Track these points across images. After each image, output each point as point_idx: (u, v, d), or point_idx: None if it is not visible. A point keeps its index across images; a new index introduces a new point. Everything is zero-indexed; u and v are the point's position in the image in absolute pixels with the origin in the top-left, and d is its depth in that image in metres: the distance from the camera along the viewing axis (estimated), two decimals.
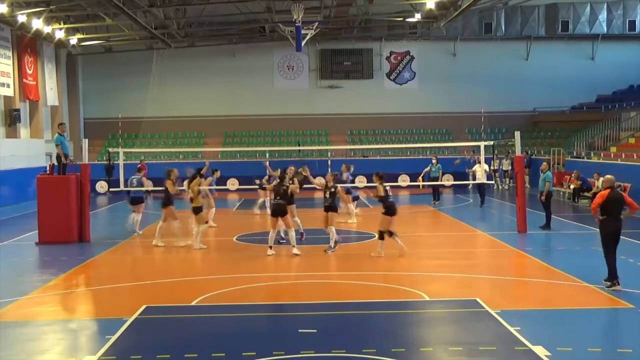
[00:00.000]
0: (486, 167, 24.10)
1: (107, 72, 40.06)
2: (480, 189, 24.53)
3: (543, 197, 18.52)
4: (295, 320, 10.10)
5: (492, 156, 26.18)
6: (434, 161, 26.30)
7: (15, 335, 9.47)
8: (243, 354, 8.28)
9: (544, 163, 20.15)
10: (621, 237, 12.58)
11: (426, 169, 26.23)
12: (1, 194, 28.13)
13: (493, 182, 27.72)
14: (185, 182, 17.45)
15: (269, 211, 17.88)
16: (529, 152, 34.41)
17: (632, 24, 39.39)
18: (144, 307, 10.56)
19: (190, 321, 10.05)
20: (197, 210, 16.50)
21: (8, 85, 31.06)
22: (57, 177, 18.07)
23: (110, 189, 22.49)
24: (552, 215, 19.05)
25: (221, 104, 40.38)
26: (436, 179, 25.99)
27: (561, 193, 28.02)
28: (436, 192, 26.84)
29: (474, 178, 24.34)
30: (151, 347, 8.74)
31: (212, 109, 40.25)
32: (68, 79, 39.26)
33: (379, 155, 36.90)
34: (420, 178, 26.03)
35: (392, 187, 22.15)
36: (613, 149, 30.72)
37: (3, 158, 28.84)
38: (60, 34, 33.11)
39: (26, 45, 32.79)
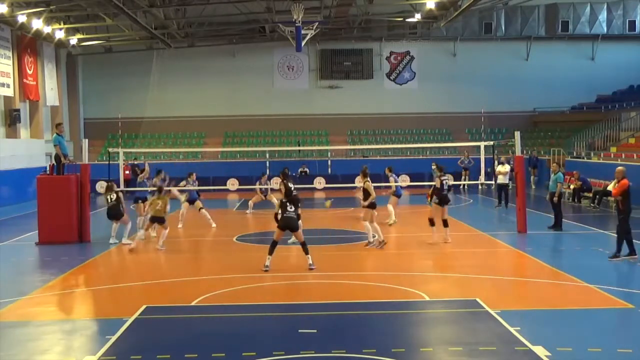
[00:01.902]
0: (508, 167, 23.97)
1: (107, 72, 40.07)
2: (503, 189, 24.24)
3: (556, 198, 18.47)
4: (295, 320, 10.09)
5: (492, 156, 26.09)
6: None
7: (15, 335, 9.46)
8: (243, 354, 8.28)
9: (554, 164, 20.09)
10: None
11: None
12: (1, 194, 28.13)
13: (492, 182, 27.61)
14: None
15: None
16: (536, 153, 34.32)
17: (632, 24, 39.40)
18: (144, 307, 10.55)
19: (190, 321, 10.04)
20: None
21: (8, 86, 31.06)
22: (57, 177, 18.08)
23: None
24: (551, 215, 19.07)
25: (221, 104, 40.40)
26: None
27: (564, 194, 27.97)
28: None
29: (496, 179, 24.22)
30: (151, 347, 8.73)
31: (212, 109, 40.28)
32: (68, 79, 39.27)
33: (379, 155, 36.89)
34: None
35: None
36: (613, 149, 30.72)
37: (3, 158, 28.84)
38: (60, 34, 33.11)
39: (26, 45, 32.79)
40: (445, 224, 16.70)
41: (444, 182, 16.89)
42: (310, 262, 13.47)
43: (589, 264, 13.76)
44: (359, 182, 16.35)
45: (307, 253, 13.58)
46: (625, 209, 14.00)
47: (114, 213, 17.37)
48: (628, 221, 14.01)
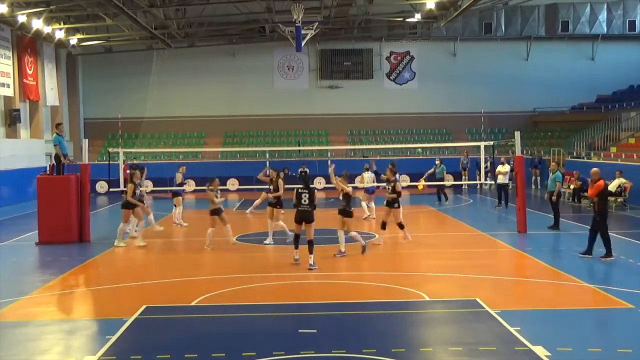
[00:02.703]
0: (507, 167, 24.01)
1: (107, 72, 40.08)
2: (503, 189, 24.17)
3: (554, 197, 18.46)
4: (295, 320, 10.11)
5: (491, 156, 26.15)
6: (437, 162, 26.28)
7: (15, 335, 9.47)
8: (243, 354, 8.28)
9: (553, 163, 20.11)
10: (621, 237, 12.69)
11: (430, 171, 26.12)
12: (1, 194, 28.13)
13: (493, 182, 27.81)
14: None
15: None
16: (537, 153, 34.28)
17: (632, 24, 39.41)
18: (144, 307, 10.56)
19: (190, 321, 10.05)
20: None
21: (8, 86, 31.07)
22: (57, 177, 18.07)
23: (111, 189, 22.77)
24: (551, 215, 19.06)
25: (221, 104, 40.41)
26: (441, 180, 26.00)
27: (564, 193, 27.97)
28: (442, 193, 26.76)
29: (496, 178, 24.26)
30: (151, 347, 8.74)
31: (212, 109, 40.28)
32: (68, 79, 39.28)
33: (379, 155, 36.86)
34: (422, 180, 25.84)
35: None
36: (613, 149, 30.72)
37: (3, 158, 28.84)
38: (60, 34, 33.12)
39: (26, 45, 32.80)
40: (383, 226, 16.58)
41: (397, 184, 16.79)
42: (312, 262, 13.53)
43: (589, 264, 13.77)
44: (341, 183, 15.41)
45: (311, 252, 13.65)
46: (601, 210, 14.06)
47: (122, 204, 17.32)
48: (605, 222, 14.12)
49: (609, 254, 13.98)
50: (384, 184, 17.49)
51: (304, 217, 13.80)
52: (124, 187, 19.27)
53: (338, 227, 15.07)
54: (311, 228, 13.83)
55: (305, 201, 13.83)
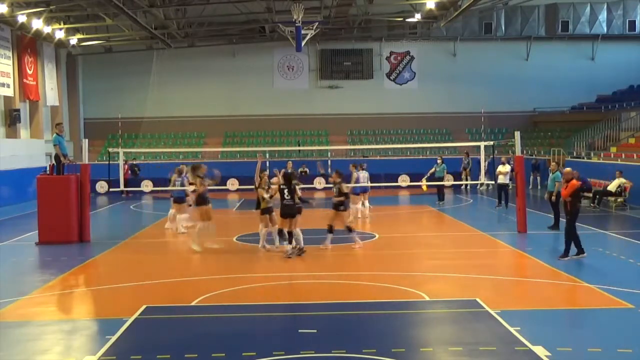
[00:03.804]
0: (508, 167, 24.00)
1: (107, 72, 40.09)
2: (504, 189, 24.14)
3: (553, 197, 18.44)
4: (295, 320, 10.11)
5: (491, 156, 26.14)
6: (439, 161, 26.27)
7: (15, 335, 9.47)
8: (243, 354, 8.28)
9: (553, 163, 20.12)
10: (621, 237, 12.67)
11: (431, 170, 26.09)
12: (1, 194, 28.12)
13: (493, 181, 27.83)
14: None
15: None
16: (538, 154, 34.28)
17: (632, 24, 39.42)
18: (144, 307, 10.56)
19: (190, 321, 10.05)
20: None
21: (8, 86, 31.06)
22: (57, 177, 18.06)
23: (111, 189, 22.79)
24: (551, 215, 19.05)
25: (221, 104, 40.42)
26: (441, 179, 25.97)
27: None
28: (441, 192, 26.76)
29: (496, 179, 24.22)
30: (151, 347, 8.73)
31: (212, 109, 40.29)
32: (68, 79, 39.28)
33: (379, 155, 36.91)
34: (423, 180, 25.82)
35: (392, 187, 22.31)
36: (613, 149, 30.71)
37: (3, 158, 28.82)
38: (60, 34, 33.12)
39: (26, 45, 32.80)
40: (330, 230, 15.98)
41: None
42: (290, 250, 14.63)
43: (589, 264, 13.77)
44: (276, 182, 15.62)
45: (289, 242, 14.64)
46: (573, 210, 14.05)
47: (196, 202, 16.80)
48: (575, 221, 14.11)
49: (566, 254, 14.03)
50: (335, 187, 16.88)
51: (287, 211, 14.64)
52: (125, 187, 19.33)
53: (295, 226, 14.94)
54: (294, 221, 14.71)
55: (287, 196, 14.68)
